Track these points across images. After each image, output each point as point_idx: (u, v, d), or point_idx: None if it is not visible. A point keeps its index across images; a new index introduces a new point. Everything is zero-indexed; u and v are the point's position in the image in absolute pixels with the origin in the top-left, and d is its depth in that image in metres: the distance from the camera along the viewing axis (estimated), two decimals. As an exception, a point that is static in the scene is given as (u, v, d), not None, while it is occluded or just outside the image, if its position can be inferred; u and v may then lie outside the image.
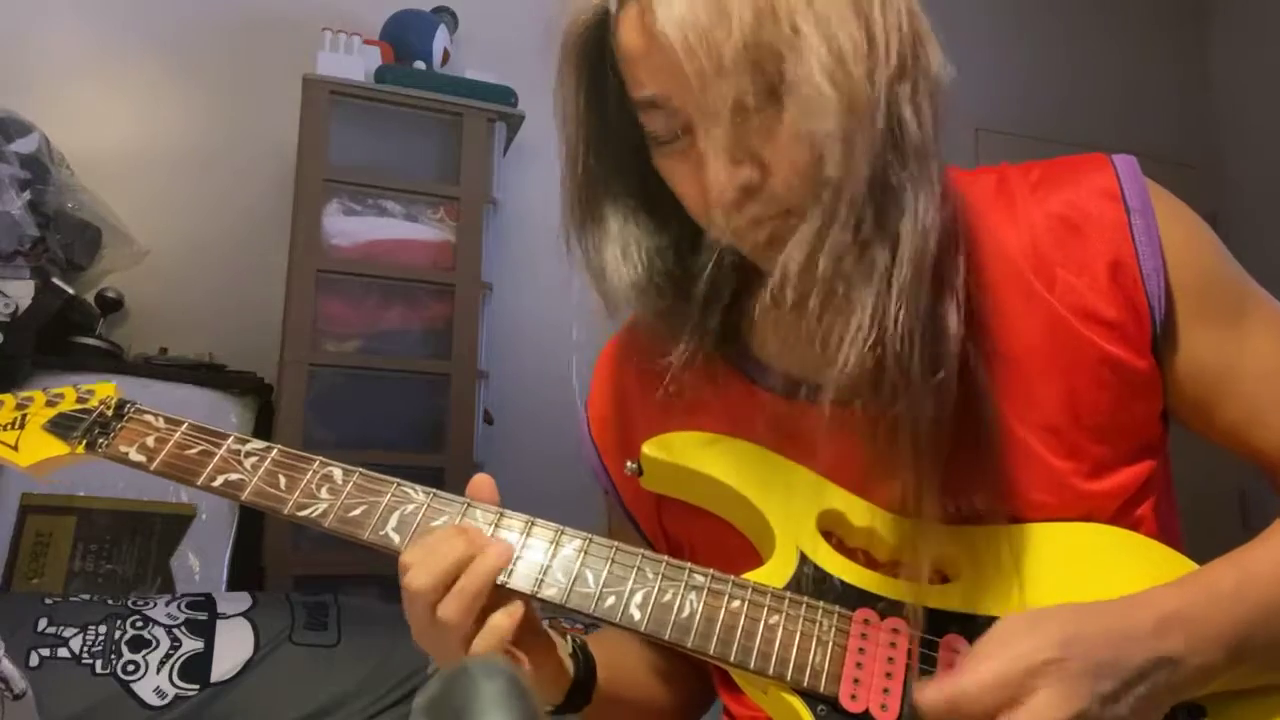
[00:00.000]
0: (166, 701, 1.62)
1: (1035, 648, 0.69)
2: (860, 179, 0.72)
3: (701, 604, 0.80)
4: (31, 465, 0.91)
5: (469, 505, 0.85)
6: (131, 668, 1.64)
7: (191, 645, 1.70)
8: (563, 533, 0.84)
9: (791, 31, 0.71)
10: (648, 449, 0.89)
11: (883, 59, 0.72)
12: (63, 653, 1.63)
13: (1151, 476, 0.86)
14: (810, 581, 0.82)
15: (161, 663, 1.66)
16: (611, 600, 0.80)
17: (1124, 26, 3.85)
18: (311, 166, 2.46)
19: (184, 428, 0.91)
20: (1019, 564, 0.82)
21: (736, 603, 0.80)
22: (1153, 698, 0.71)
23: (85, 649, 1.65)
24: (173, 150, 2.70)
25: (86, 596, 1.80)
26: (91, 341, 2.35)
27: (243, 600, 1.84)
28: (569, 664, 0.89)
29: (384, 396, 2.48)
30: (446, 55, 2.76)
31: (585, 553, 0.83)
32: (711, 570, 0.82)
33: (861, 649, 0.78)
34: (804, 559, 0.83)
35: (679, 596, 0.80)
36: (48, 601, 1.75)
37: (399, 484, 0.86)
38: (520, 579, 0.81)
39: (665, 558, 0.83)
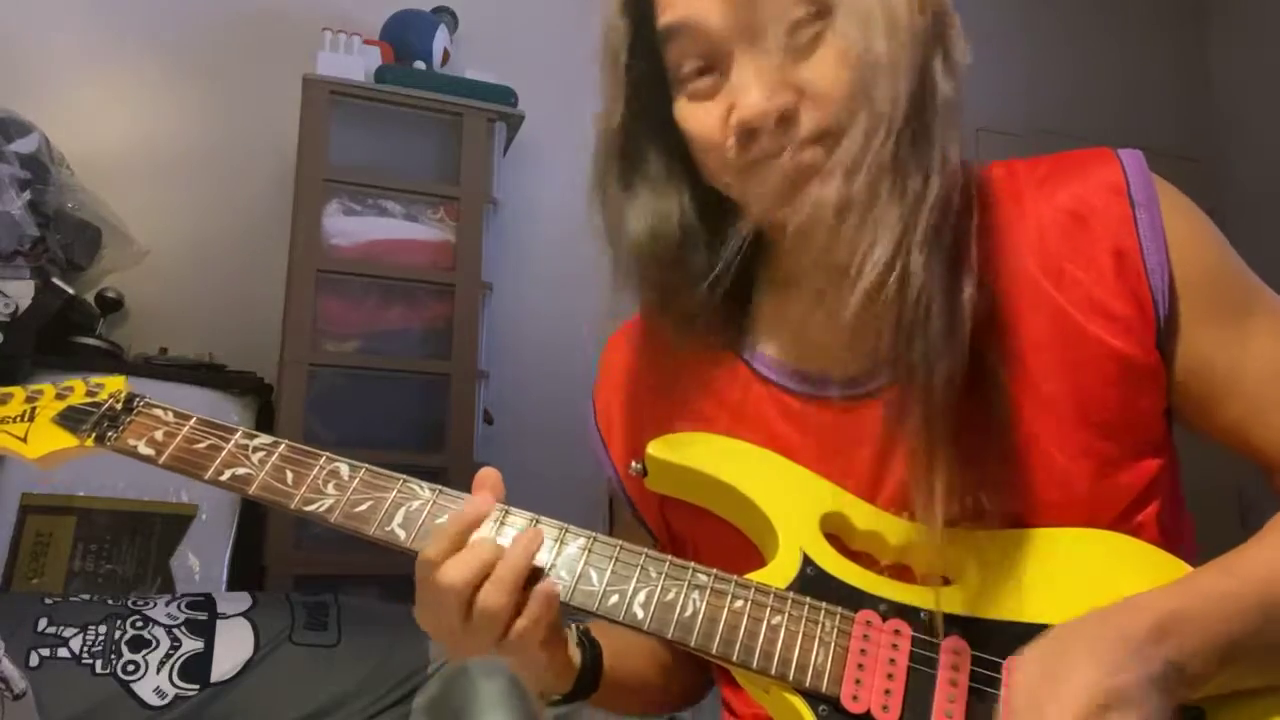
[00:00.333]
0: (166, 701, 1.62)
1: (1075, 698, 0.68)
2: (901, 107, 0.75)
3: (704, 603, 0.80)
4: (40, 457, 0.91)
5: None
6: (131, 668, 1.64)
7: (191, 645, 1.70)
8: (566, 530, 0.84)
9: None
10: (652, 450, 0.89)
11: (918, 11, 0.77)
12: (63, 653, 1.63)
13: (1157, 477, 0.86)
14: (813, 582, 0.82)
15: (161, 663, 1.66)
16: (615, 599, 0.81)
17: (1125, 25, 3.85)
18: (311, 166, 2.46)
19: (192, 422, 0.91)
20: (1021, 568, 0.82)
21: (739, 603, 0.80)
22: (1164, 703, 0.71)
23: (85, 649, 1.65)
24: (173, 150, 2.70)
25: (86, 596, 1.80)
26: (91, 341, 2.35)
27: (243, 600, 1.84)
28: (576, 653, 0.90)
29: (384, 396, 2.48)
30: (446, 55, 2.76)
31: (589, 551, 0.83)
32: (715, 570, 0.82)
33: (863, 650, 0.78)
34: (807, 560, 0.83)
35: (682, 596, 0.80)
36: (48, 601, 1.75)
37: (405, 480, 0.87)
38: None
39: (669, 557, 0.83)
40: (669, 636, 0.79)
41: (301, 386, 2.36)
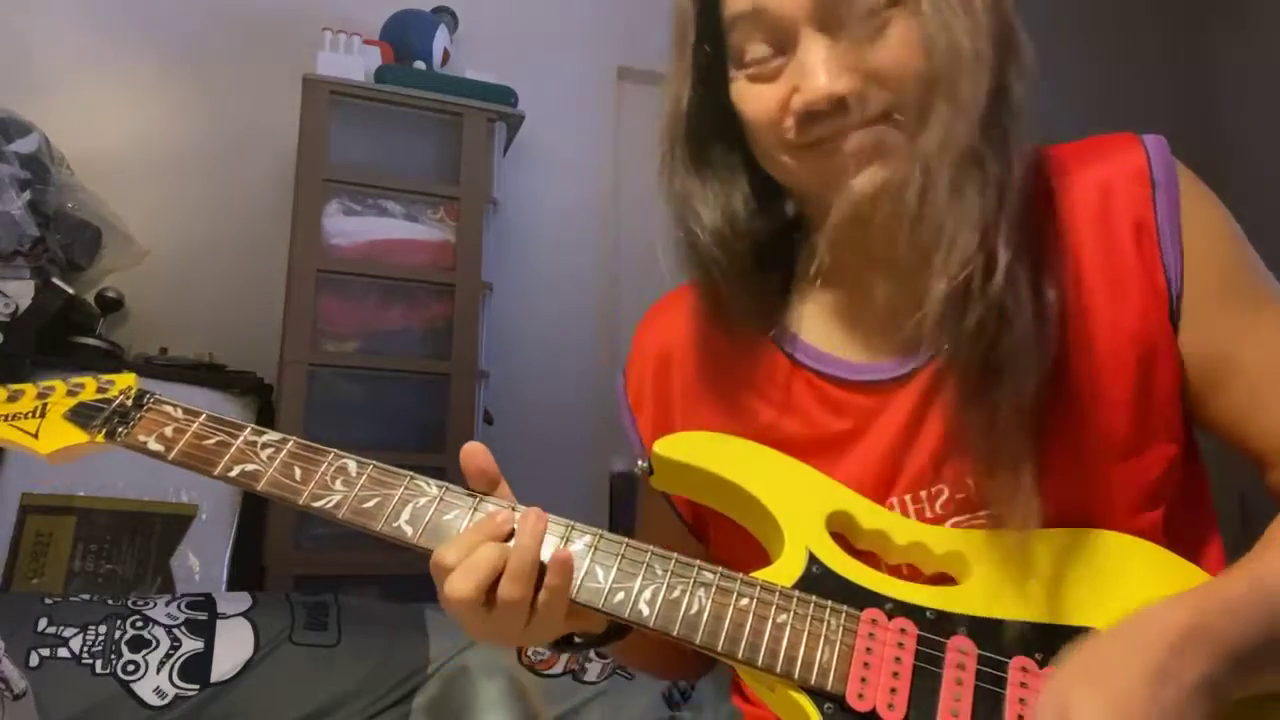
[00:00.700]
0: (166, 701, 1.62)
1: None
2: (981, 100, 0.78)
3: (710, 601, 0.80)
4: (52, 453, 0.92)
5: (481, 500, 0.85)
6: (131, 668, 1.64)
7: (191, 645, 1.70)
8: (573, 528, 0.84)
9: None
10: (658, 448, 0.90)
11: (991, 11, 0.80)
12: (63, 653, 1.63)
13: (1172, 467, 0.86)
14: (818, 581, 0.82)
15: (161, 663, 1.66)
16: (620, 596, 0.81)
17: (1124, 24, 3.85)
18: (311, 166, 2.46)
19: (202, 418, 0.91)
20: (1027, 567, 0.81)
21: (745, 600, 0.80)
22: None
23: (85, 649, 1.65)
24: (173, 150, 2.70)
25: (86, 596, 1.80)
26: (91, 341, 2.35)
27: (243, 600, 1.84)
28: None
29: (384, 396, 2.48)
30: (446, 55, 2.76)
31: (595, 548, 0.83)
32: (720, 568, 0.82)
33: (869, 649, 0.78)
34: (813, 558, 0.83)
35: (687, 593, 0.81)
36: (48, 601, 1.75)
37: (412, 477, 0.87)
38: None
39: (675, 555, 0.83)
40: (675, 634, 0.79)
41: (301, 386, 2.36)
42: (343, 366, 2.44)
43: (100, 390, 0.96)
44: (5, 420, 0.94)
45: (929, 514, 0.87)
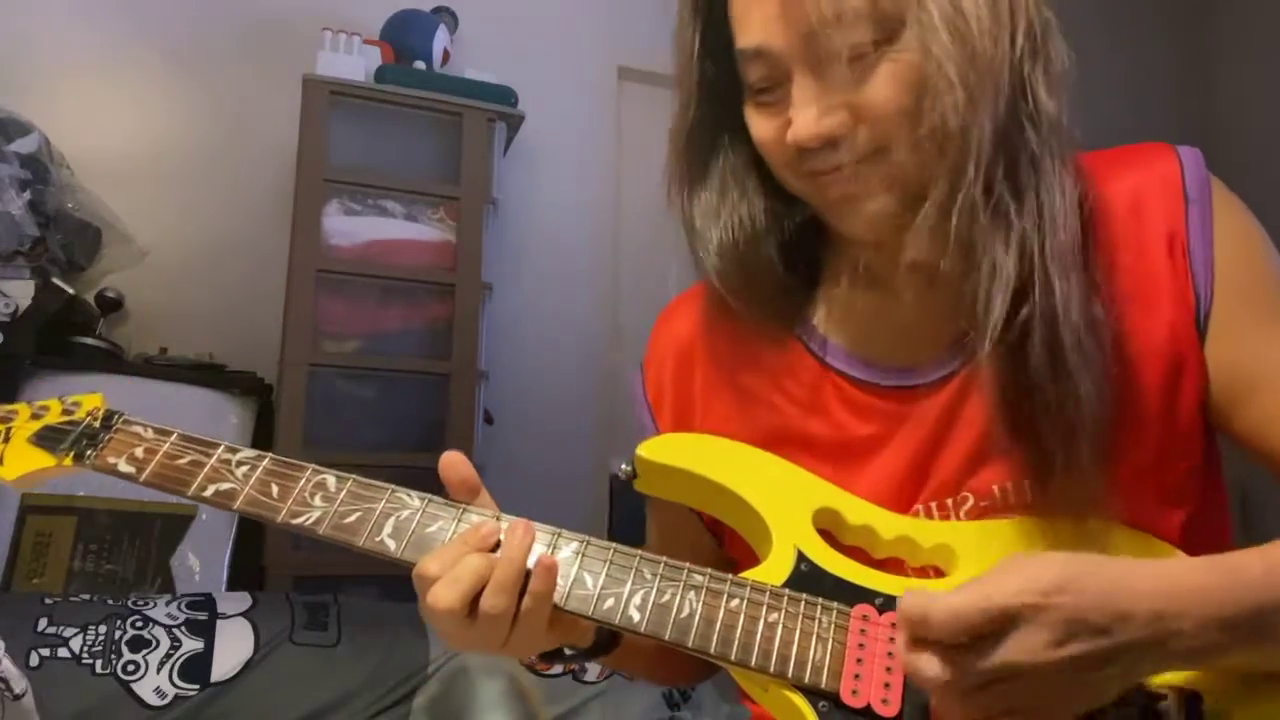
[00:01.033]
0: (166, 701, 1.62)
1: (1020, 589, 0.67)
2: (985, 135, 0.76)
3: (700, 603, 0.80)
4: (17, 479, 0.89)
5: (465, 510, 0.84)
6: (131, 668, 1.64)
7: (191, 645, 1.70)
8: (559, 535, 0.83)
9: None
10: (642, 451, 0.89)
11: (1008, 28, 0.78)
12: (63, 653, 1.64)
13: (1190, 479, 0.86)
14: (808, 579, 0.82)
15: (161, 663, 1.66)
16: (610, 602, 0.80)
17: (1126, 25, 3.85)
18: (311, 166, 2.46)
19: (173, 438, 0.89)
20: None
21: (735, 601, 0.80)
22: (1127, 666, 0.69)
23: (85, 649, 1.65)
24: (173, 150, 2.71)
25: (86, 596, 1.80)
26: (91, 341, 2.36)
27: (243, 600, 1.84)
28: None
29: (384, 396, 2.48)
30: (446, 55, 2.77)
31: (583, 555, 0.82)
32: (709, 569, 0.82)
33: (861, 644, 0.78)
34: (801, 556, 0.83)
35: (678, 597, 0.80)
36: (48, 601, 1.75)
37: (393, 490, 0.85)
38: None
39: (664, 559, 0.82)
40: (666, 639, 0.78)
41: (301, 386, 2.36)
42: (343, 366, 2.45)
43: (66, 412, 0.93)
44: None
45: (952, 520, 0.87)
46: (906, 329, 0.89)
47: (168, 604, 1.79)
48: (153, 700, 1.61)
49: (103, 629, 1.69)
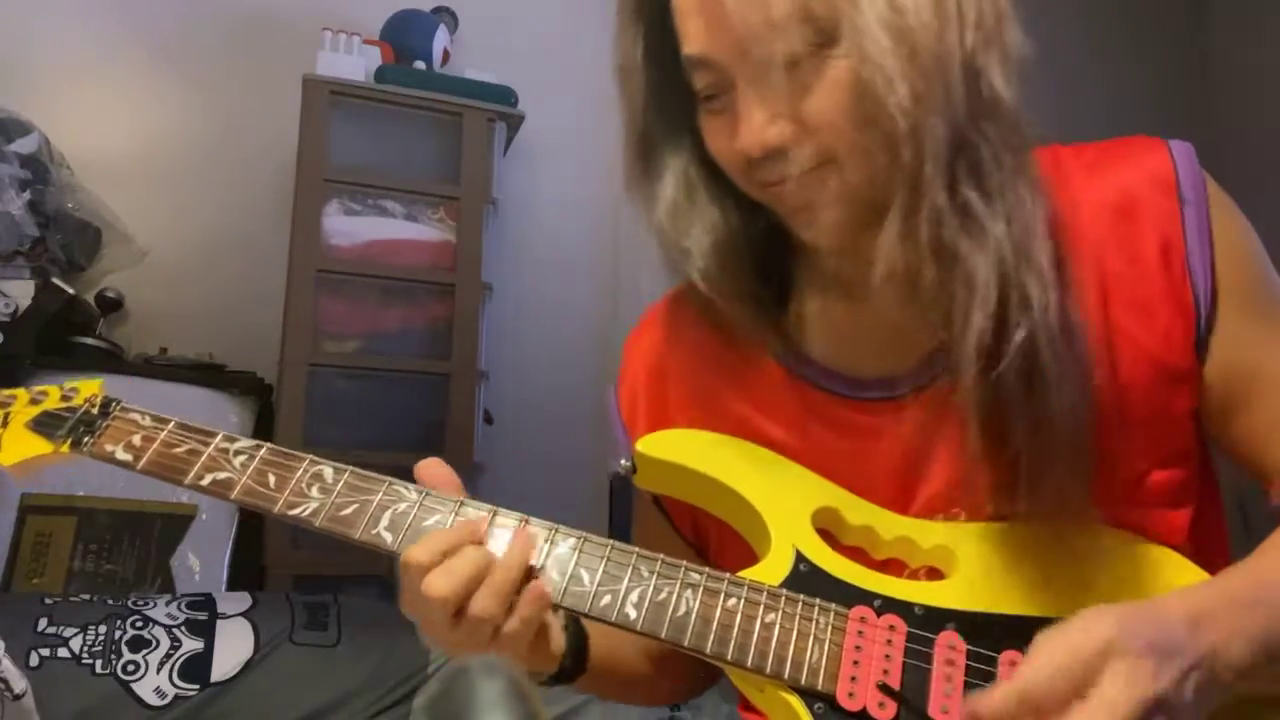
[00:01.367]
0: (166, 701, 1.62)
1: (1093, 633, 0.67)
2: (940, 137, 0.73)
3: (698, 602, 0.79)
4: (14, 465, 0.89)
5: (461, 504, 0.84)
6: (131, 668, 1.64)
7: (191, 645, 1.70)
8: (557, 531, 0.83)
9: None
10: (641, 447, 0.89)
11: (956, 20, 0.74)
12: (63, 653, 1.63)
13: (1184, 485, 0.85)
14: (806, 579, 0.82)
15: (161, 663, 1.66)
16: (607, 599, 0.80)
17: (1123, 24, 3.85)
18: (311, 166, 2.46)
19: (171, 426, 0.88)
20: (1017, 562, 0.81)
21: (733, 601, 0.80)
22: (1206, 688, 0.69)
23: (85, 649, 1.65)
24: (173, 150, 2.70)
25: (86, 596, 1.80)
26: (91, 341, 2.35)
27: (243, 600, 1.84)
28: (561, 636, 0.88)
29: (384, 396, 2.48)
30: (446, 55, 2.76)
31: (580, 551, 0.82)
32: (707, 569, 0.81)
33: (858, 646, 0.78)
34: (800, 556, 0.82)
35: (675, 595, 0.80)
36: (48, 601, 1.75)
37: (391, 483, 0.85)
38: None
39: (661, 556, 0.82)
40: (662, 636, 0.78)
41: (301, 386, 2.36)
42: (343, 366, 2.44)
43: (65, 398, 0.92)
44: None
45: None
46: (882, 340, 0.86)
47: (168, 604, 1.79)
48: (153, 700, 1.61)
49: (103, 629, 1.69)
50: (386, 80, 2.56)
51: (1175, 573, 0.82)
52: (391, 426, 2.48)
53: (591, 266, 3.04)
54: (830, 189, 0.78)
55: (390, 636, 1.80)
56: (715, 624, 0.78)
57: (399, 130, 2.61)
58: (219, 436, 0.88)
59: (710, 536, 0.98)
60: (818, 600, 0.80)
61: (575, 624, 0.90)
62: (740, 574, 0.82)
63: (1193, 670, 0.68)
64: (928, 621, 0.80)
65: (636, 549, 0.82)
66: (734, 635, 0.78)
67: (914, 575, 0.85)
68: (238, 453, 0.87)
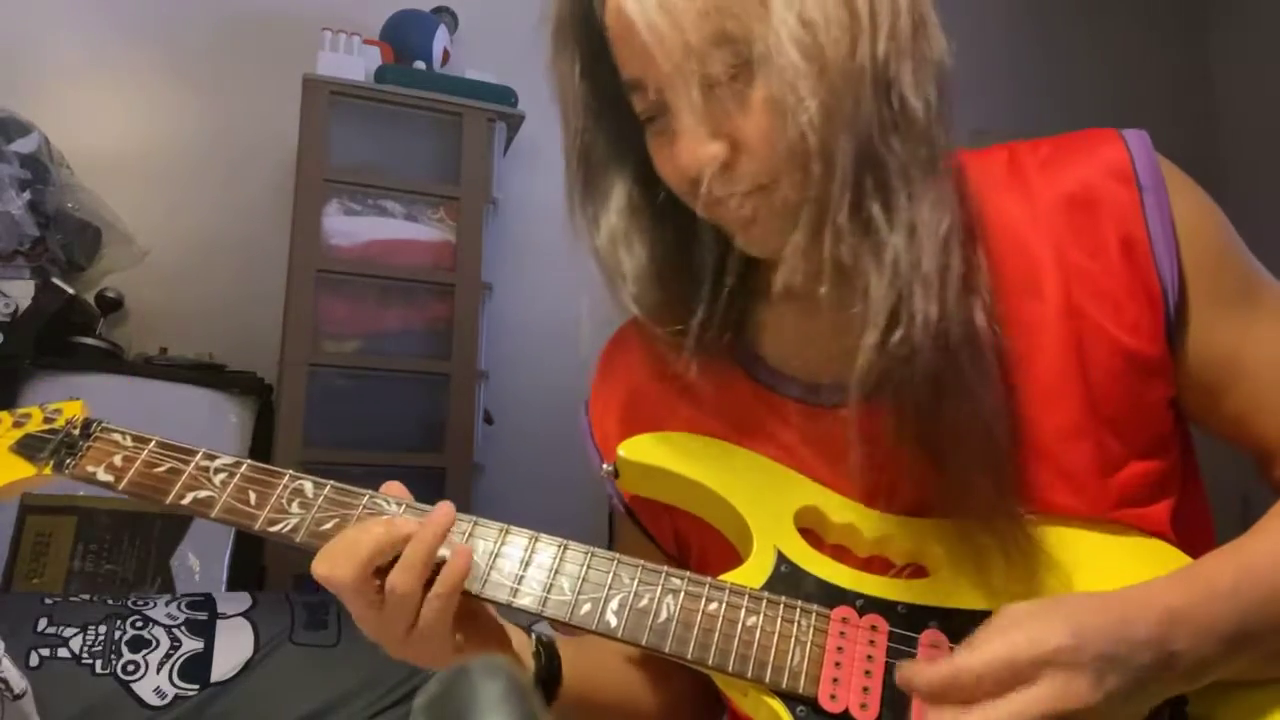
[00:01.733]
0: (166, 701, 1.62)
1: (1043, 634, 0.68)
2: (848, 152, 0.72)
3: (679, 607, 0.79)
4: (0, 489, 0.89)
5: None
6: (131, 668, 1.64)
7: (191, 645, 1.70)
8: (537, 539, 0.83)
9: (759, 4, 0.72)
10: (623, 450, 0.88)
11: (868, 32, 0.73)
12: (63, 653, 1.64)
13: (1166, 475, 0.85)
14: (787, 580, 0.81)
15: (161, 663, 1.66)
16: (588, 607, 0.79)
17: (1122, 24, 3.84)
18: (311, 166, 2.46)
19: (151, 445, 0.89)
20: (999, 559, 0.81)
21: (714, 605, 0.79)
22: (1149, 694, 0.71)
23: (85, 649, 1.65)
24: (173, 150, 2.71)
25: (86, 596, 1.80)
26: (91, 341, 2.35)
27: (243, 600, 1.84)
28: (530, 662, 0.88)
29: (384, 396, 2.48)
30: (446, 55, 2.76)
31: (560, 559, 0.82)
32: (688, 573, 0.81)
33: (840, 648, 0.78)
34: (781, 558, 0.82)
35: (656, 600, 0.80)
36: (48, 601, 1.75)
37: (371, 495, 0.85)
38: (494, 588, 0.81)
39: (641, 562, 0.82)
40: (643, 643, 0.78)
41: (301, 386, 2.36)
42: (343, 366, 2.44)
43: (47, 420, 0.93)
44: None
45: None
46: (831, 344, 0.85)
47: (168, 604, 1.79)
48: (153, 700, 1.62)
49: (103, 629, 1.69)
50: (386, 80, 2.56)
51: (1162, 563, 0.82)
52: (391, 426, 2.48)
53: (592, 266, 3.03)
54: (772, 205, 0.78)
55: (389, 636, 1.81)
56: (696, 629, 0.78)
57: (399, 130, 2.61)
58: (199, 454, 0.88)
59: (692, 548, 0.98)
60: (799, 602, 0.80)
61: (547, 652, 0.90)
62: (722, 577, 0.82)
63: (1140, 677, 0.69)
64: (911, 620, 0.80)
65: (617, 555, 0.82)
66: (715, 640, 0.78)
67: (898, 573, 0.85)
68: (218, 470, 0.87)
